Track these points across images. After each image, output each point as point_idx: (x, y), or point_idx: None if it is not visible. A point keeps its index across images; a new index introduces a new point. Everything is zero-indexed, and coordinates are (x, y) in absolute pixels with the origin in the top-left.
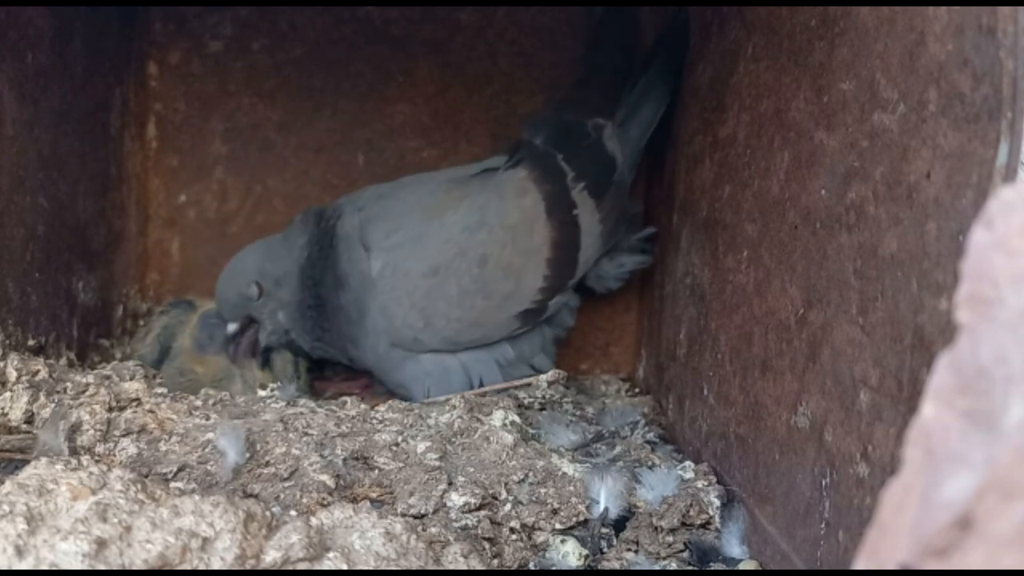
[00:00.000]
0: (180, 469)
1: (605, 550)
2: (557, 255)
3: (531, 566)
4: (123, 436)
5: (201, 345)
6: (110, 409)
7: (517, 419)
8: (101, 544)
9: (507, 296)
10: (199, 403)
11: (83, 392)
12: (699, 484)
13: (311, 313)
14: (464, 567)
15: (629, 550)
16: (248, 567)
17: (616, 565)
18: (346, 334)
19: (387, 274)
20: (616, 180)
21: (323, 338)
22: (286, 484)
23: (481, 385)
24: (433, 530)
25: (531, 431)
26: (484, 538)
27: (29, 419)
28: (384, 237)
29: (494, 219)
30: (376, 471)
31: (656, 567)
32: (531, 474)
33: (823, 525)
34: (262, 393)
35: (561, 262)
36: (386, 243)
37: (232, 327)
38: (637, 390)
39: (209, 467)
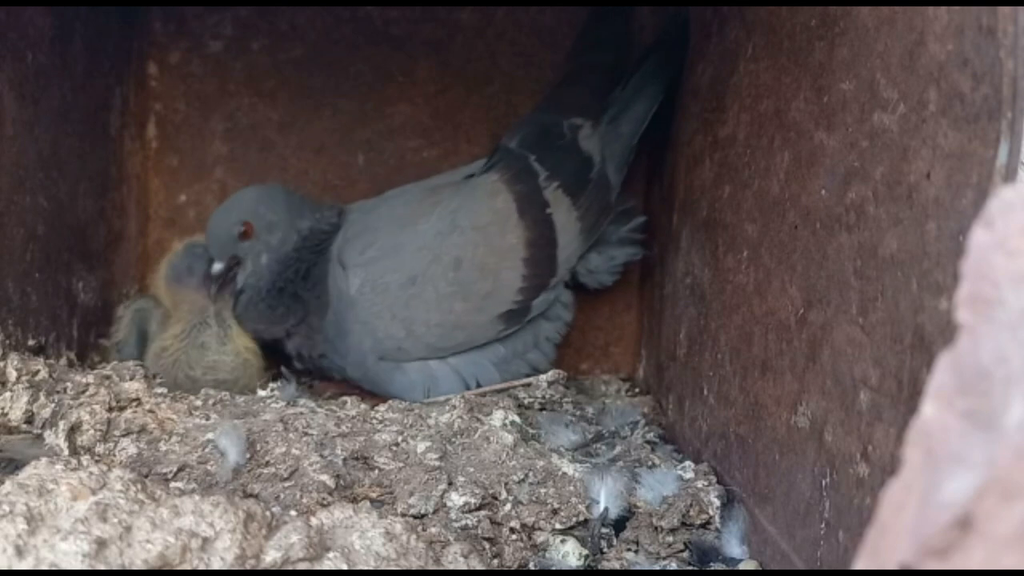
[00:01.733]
0: (180, 469)
1: (605, 550)
2: (533, 254)
3: (531, 566)
4: (123, 436)
5: (178, 275)
6: (110, 409)
7: (517, 419)
8: (101, 544)
9: (486, 297)
10: (199, 403)
11: (83, 392)
12: (699, 484)
13: (291, 280)
14: (464, 567)
15: (629, 550)
16: (248, 567)
17: (616, 565)
18: (329, 350)
19: (366, 290)
20: (594, 178)
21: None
22: (286, 484)
23: (478, 385)
24: (433, 530)
25: (531, 431)
26: (484, 538)
27: (29, 419)
28: (359, 253)
29: (465, 221)
30: (376, 471)
31: (656, 567)
32: (531, 474)
33: (823, 525)
34: (262, 393)
35: (538, 261)
36: (361, 259)
37: (218, 266)
38: (637, 390)
39: (209, 467)
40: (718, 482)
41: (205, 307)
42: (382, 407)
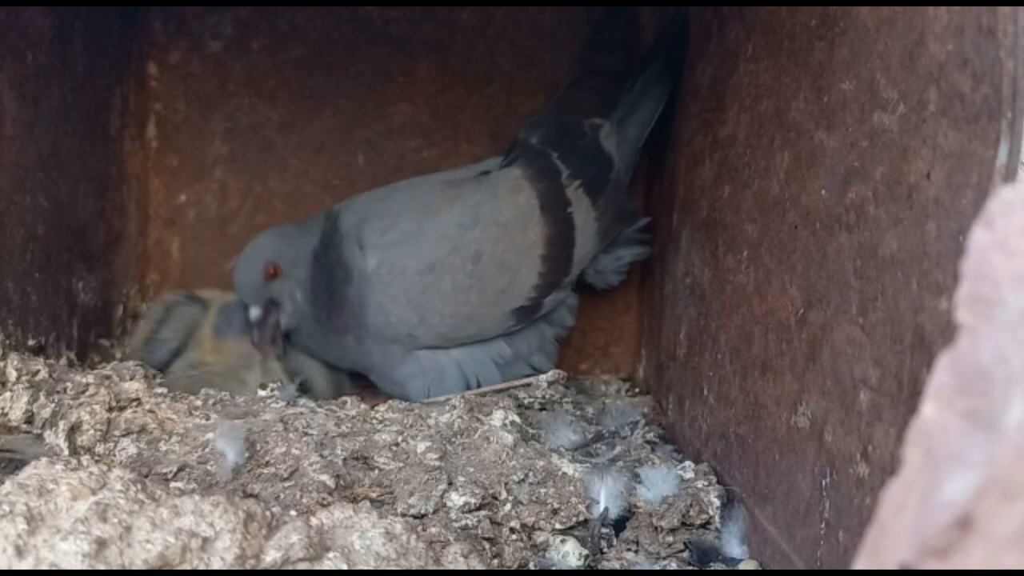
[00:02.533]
0: (180, 469)
1: (605, 550)
2: (551, 252)
3: (531, 566)
4: (123, 436)
5: (220, 330)
6: (110, 409)
7: (517, 419)
8: (101, 544)
9: (501, 292)
10: (199, 403)
11: (83, 392)
12: (699, 484)
13: (324, 297)
14: (464, 567)
15: (629, 550)
16: (248, 567)
17: (616, 565)
18: (351, 328)
19: (383, 272)
20: (613, 178)
21: (331, 325)
22: (286, 484)
23: (478, 384)
24: (433, 530)
25: (531, 431)
26: (484, 538)
27: (29, 419)
28: (379, 235)
29: (488, 215)
30: (376, 471)
31: (656, 567)
32: (531, 474)
33: (823, 525)
34: (262, 393)
35: (555, 259)
36: (381, 241)
37: (255, 312)
38: (637, 390)
39: (209, 467)
40: (718, 482)
41: (252, 353)
42: (382, 407)
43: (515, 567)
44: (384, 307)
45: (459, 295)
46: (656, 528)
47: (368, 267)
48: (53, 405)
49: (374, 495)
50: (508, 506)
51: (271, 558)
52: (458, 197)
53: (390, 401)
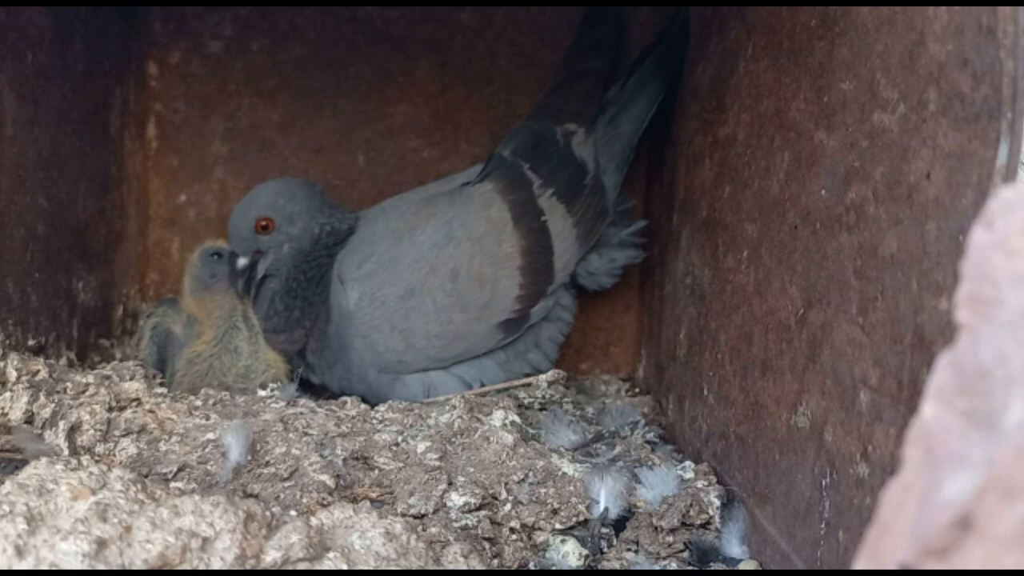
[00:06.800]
0: (180, 469)
1: (605, 550)
2: (530, 262)
3: (531, 566)
4: (123, 436)
5: (204, 283)
6: (110, 409)
7: (517, 419)
8: (101, 544)
9: (484, 306)
10: (199, 403)
11: (83, 392)
12: (699, 484)
13: (302, 290)
14: (464, 567)
15: (629, 550)
16: (248, 567)
17: (616, 565)
18: (331, 361)
19: (364, 304)
20: (588, 184)
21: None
22: (286, 484)
23: (482, 386)
24: (433, 530)
25: (531, 431)
26: (484, 538)
27: (29, 419)
28: (356, 267)
29: (461, 232)
30: (376, 471)
31: (656, 567)
32: (531, 474)
33: (823, 525)
34: (262, 393)
35: (535, 269)
36: (358, 273)
37: (243, 261)
38: (637, 390)
39: (209, 467)
40: (718, 482)
41: (234, 308)
42: (382, 407)
43: (515, 567)
44: (370, 338)
45: (442, 314)
46: (656, 528)
47: (349, 301)
48: (53, 405)
49: (374, 495)
50: (508, 506)
51: (271, 558)
52: (431, 217)
53: (390, 401)
